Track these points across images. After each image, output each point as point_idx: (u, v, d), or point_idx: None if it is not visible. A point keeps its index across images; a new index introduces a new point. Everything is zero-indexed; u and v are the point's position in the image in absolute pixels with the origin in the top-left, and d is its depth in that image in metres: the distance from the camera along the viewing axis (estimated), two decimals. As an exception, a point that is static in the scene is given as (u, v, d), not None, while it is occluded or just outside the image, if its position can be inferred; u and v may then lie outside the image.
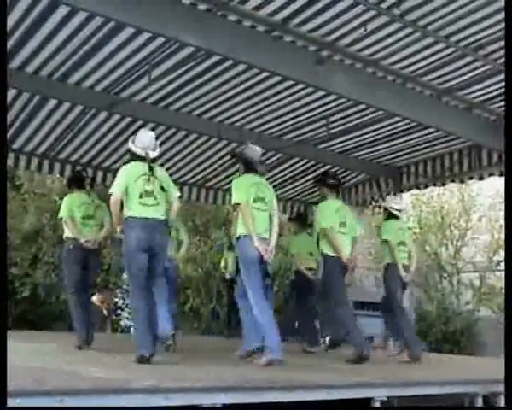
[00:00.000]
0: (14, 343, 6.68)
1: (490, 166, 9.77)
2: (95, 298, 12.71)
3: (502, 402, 5.49)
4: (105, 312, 12.73)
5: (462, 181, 11.01)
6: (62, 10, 6.13)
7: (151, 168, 5.80)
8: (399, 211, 8.08)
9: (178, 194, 5.95)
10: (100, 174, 10.60)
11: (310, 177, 11.32)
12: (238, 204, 6.07)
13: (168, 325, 6.91)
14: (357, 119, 8.97)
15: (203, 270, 15.20)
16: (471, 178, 10.63)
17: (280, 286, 13.66)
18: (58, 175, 11.05)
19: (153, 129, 9.19)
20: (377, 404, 4.96)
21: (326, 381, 5.08)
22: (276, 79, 7.57)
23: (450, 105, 8.29)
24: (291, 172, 11.30)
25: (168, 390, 3.92)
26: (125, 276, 15.91)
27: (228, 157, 10.44)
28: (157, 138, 9.44)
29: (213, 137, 9.69)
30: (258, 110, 8.76)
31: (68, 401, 3.42)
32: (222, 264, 12.28)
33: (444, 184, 11.37)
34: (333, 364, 6.65)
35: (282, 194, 12.28)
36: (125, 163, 6.12)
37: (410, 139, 9.78)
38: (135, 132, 8.95)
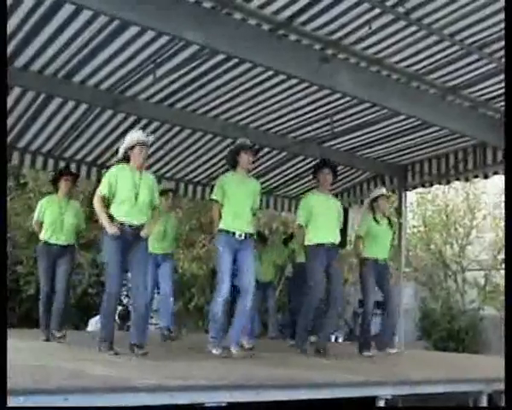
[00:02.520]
0: (18, 342, 6.72)
1: (495, 164, 9.74)
2: None
3: (506, 401, 5.48)
4: None
5: (466, 179, 10.99)
6: (67, 9, 6.13)
7: None
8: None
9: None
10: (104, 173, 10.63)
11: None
12: None
13: None
14: (362, 117, 8.95)
15: (208, 268, 15.21)
16: (476, 177, 10.59)
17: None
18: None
19: (158, 127, 9.27)
20: (381, 403, 4.96)
21: (330, 379, 5.09)
22: (281, 77, 7.56)
23: (455, 103, 8.26)
24: (296, 170, 11.30)
25: (172, 389, 3.93)
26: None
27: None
28: (162, 136, 9.59)
29: (218, 136, 9.69)
30: (263, 108, 8.75)
31: (72, 399, 3.43)
32: None
33: (448, 183, 11.34)
34: (336, 362, 6.64)
35: (286, 192, 12.30)
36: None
37: (415, 138, 9.75)
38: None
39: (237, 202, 6.60)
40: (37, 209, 7.70)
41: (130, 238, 6.03)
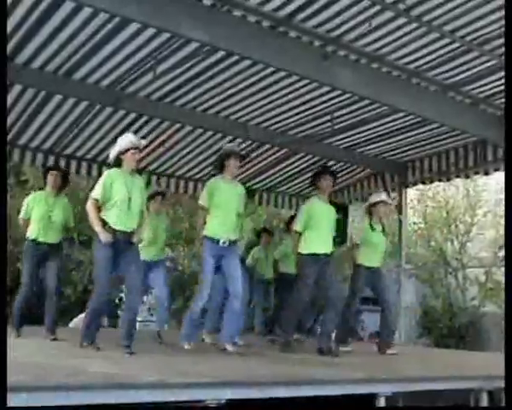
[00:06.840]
0: (19, 339, 6.73)
1: (495, 161, 9.73)
2: None
3: (506, 397, 5.48)
4: None
5: (467, 176, 10.97)
6: (67, 6, 6.13)
7: None
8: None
9: None
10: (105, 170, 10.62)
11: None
12: None
13: None
14: (362, 114, 8.95)
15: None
16: (476, 174, 10.60)
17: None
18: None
19: (158, 124, 9.28)
20: (381, 400, 4.96)
21: (331, 376, 5.09)
22: (281, 74, 7.56)
23: (456, 100, 8.26)
24: (296, 167, 11.29)
25: (173, 386, 3.93)
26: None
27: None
28: (162, 134, 9.60)
29: (219, 133, 9.69)
30: (263, 106, 8.75)
31: (73, 396, 3.43)
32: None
33: (449, 180, 11.35)
34: (337, 359, 6.65)
35: (286, 190, 12.30)
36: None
37: (416, 134, 9.75)
38: (141, 128, 9.09)
39: (223, 209, 6.61)
40: (24, 206, 7.47)
41: (122, 244, 5.89)
